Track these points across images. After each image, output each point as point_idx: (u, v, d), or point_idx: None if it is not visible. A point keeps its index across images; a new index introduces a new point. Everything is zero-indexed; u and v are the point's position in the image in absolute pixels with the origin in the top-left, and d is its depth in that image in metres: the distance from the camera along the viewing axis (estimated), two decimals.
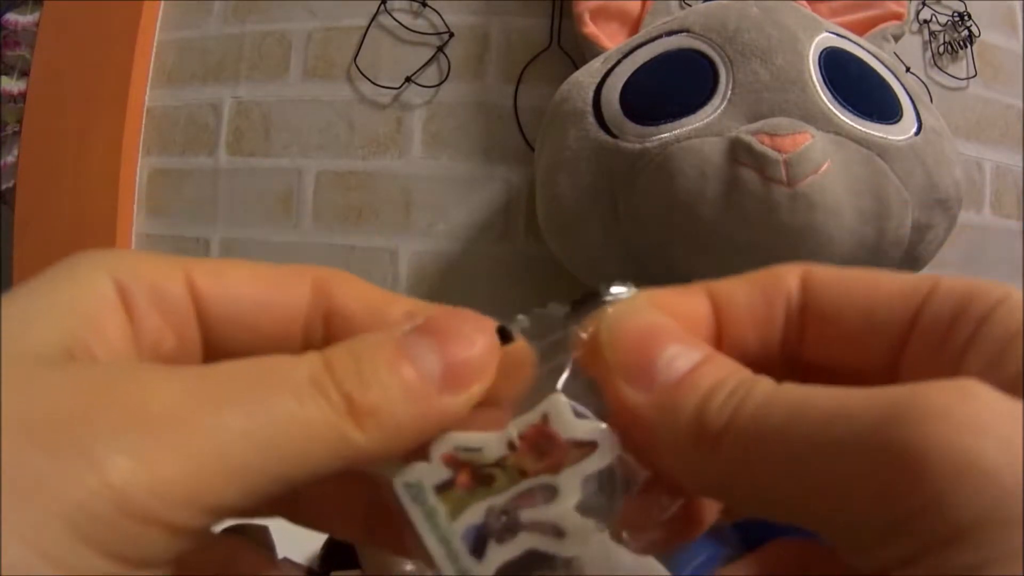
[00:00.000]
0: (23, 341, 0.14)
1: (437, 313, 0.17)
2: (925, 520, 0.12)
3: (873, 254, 0.53)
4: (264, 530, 0.37)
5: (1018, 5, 0.86)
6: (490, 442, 0.16)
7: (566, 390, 0.17)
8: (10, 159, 0.87)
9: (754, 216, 0.49)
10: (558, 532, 0.16)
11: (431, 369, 0.15)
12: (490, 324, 0.17)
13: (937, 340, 0.15)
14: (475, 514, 0.16)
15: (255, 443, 0.14)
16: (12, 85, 0.87)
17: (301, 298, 0.18)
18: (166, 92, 0.87)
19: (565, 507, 0.16)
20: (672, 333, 0.16)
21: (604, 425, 0.16)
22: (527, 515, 0.16)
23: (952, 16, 0.82)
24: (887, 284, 0.17)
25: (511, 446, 0.16)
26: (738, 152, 0.49)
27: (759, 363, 0.17)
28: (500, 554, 0.16)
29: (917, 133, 0.54)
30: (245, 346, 0.17)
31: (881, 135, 0.52)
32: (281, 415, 0.14)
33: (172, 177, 0.86)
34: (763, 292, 0.18)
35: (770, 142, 0.48)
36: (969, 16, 0.82)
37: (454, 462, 0.16)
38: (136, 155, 0.85)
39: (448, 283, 0.79)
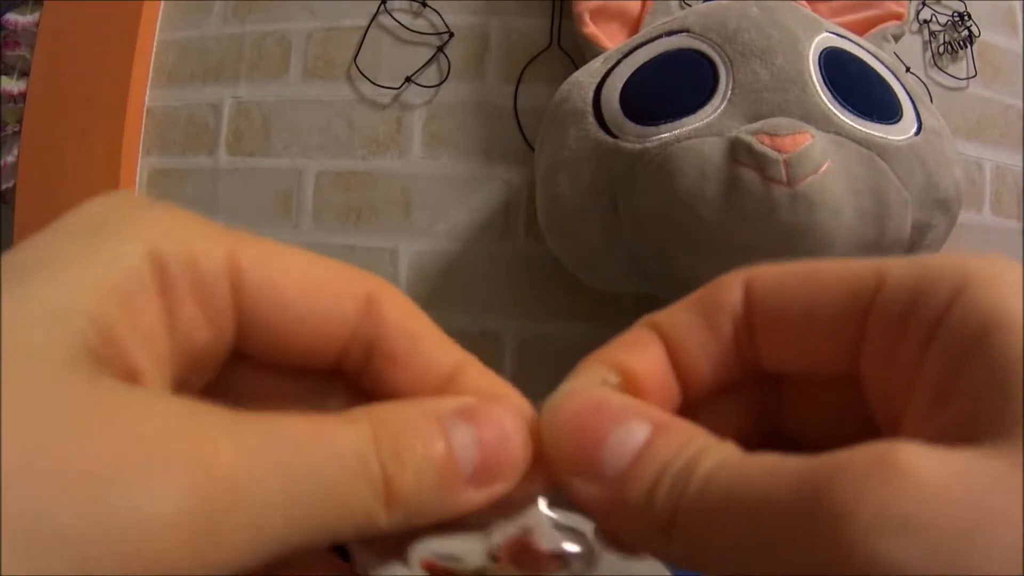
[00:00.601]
0: (43, 334, 0.12)
1: (483, 401, 0.16)
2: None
3: (873, 254, 0.53)
4: None
5: (1018, 5, 0.86)
6: (470, 552, 0.16)
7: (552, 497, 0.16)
8: (10, 159, 0.87)
9: (754, 216, 0.49)
10: None
11: (466, 460, 0.15)
12: (528, 421, 0.16)
13: (892, 339, 0.14)
14: None
15: (291, 509, 0.13)
16: (12, 85, 0.87)
17: (348, 318, 0.17)
18: (166, 92, 0.87)
19: None
20: (612, 410, 0.15)
21: (590, 536, 0.16)
22: None
23: (952, 16, 0.82)
24: (828, 282, 0.15)
25: (492, 557, 0.16)
26: (738, 152, 0.49)
27: (722, 388, 0.17)
28: None
29: (917, 133, 0.54)
30: (277, 351, 0.17)
31: (881, 135, 0.52)
32: (324, 487, 0.14)
33: (172, 177, 0.86)
34: (704, 313, 0.17)
35: (770, 142, 0.48)
36: (969, 16, 0.82)
37: (432, 568, 0.15)
38: (136, 155, 0.85)
39: (448, 283, 0.79)
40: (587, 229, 0.58)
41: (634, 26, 0.67)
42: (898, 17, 0.66)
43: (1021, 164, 0.85)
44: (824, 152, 0.49)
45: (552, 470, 0.16)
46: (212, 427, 0.13)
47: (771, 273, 0.16)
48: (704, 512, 0.13)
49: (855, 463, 0.12)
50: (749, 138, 0.48)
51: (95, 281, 0.13)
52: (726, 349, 0.17)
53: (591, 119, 0.56)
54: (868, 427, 0.16)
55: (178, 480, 0.12)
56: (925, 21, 0.82)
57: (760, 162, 0.48)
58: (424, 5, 0.80)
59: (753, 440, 0.18)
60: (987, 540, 0.11)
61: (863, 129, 0.52)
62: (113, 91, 0.84)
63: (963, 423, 0.12)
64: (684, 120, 0.52)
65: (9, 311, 0.12)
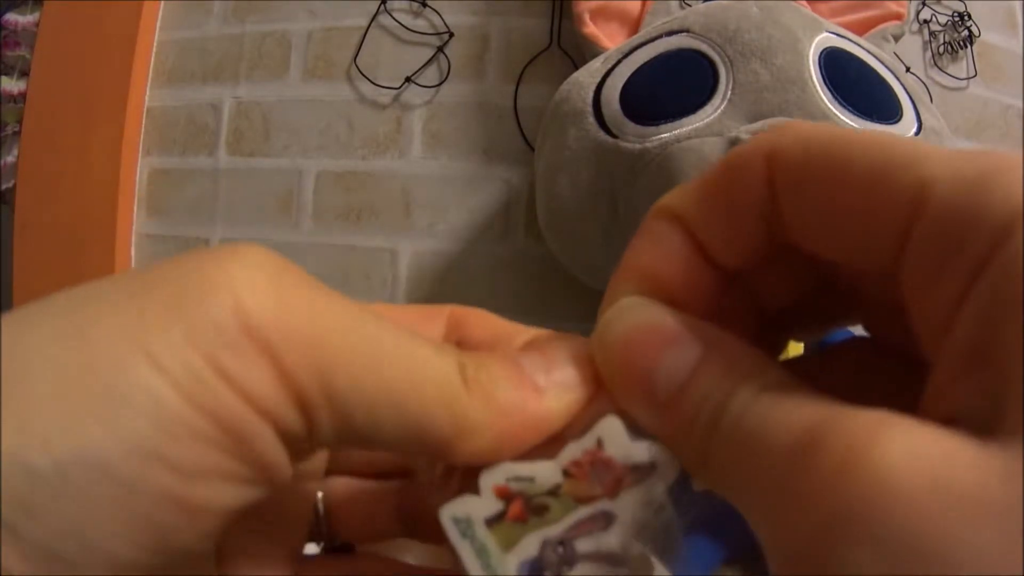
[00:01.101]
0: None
1: (546, 336, 0.18)
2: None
3: None
4: None
5: (1018, 5, 0.86)
6: (543, 470, 0.16)
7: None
8: (10, 159, 0.87)
9: None
10: (616, 561, 0.15)
11: (536, 374, 0.16)
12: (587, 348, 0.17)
13: (933, 269, 0.13)
14: (529, 547, 0.15)
15: (392, 365, 0.14)
16: (12, 85, 0.87)
17: (436, 335, 0.19)
18: (166, 92, 0.87)
19: (623, 534, 0.15)
20: (663, 334, 0.15)
21: (659, 448, 0.16)
22: (584, 545, 0.15)
23: (952, 16, 0.82)
24: (863, 177, 0.13)
25: (565, 473, 0.16)
26: None
27: (750, 272, 0.17)
28: None
29: (917, 133, 0.54)
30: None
31: None
32: (420, 354, 0.15)
33: (172, 177, 0.86)
34: (725, 196, 0.16)
35: None
36: (969, 16, 0.82)
37: (506, 493, 0.15)
38: (136, 155, 0.85)
39: (448, 283, 0.79)
40: (587, 229, 0.58)
41: (634, 26, 0.67)
42: (898, 17, 0.66)
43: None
44: None
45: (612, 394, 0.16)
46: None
47: (796, 153, 0.15)
48: (728, 451, 0.14)
49: (836, 444, 0.12)
50: (749, 138, 0.48)
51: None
52: (753, 231, 0.16)
53: (591, 119, 0.56)
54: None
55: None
56: (925, 21, 0.82)
57: None
58: (424, 5, 0.80)
59: (788, 311, 0.18)
60: (957, 555, 0.10)
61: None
62: (113, 91, 0.84)
63: (983, 403, 0.11)
64: (684, 120, 0.52)
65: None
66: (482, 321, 0.19)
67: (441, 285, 0.79)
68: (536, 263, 0.77)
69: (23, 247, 0.85)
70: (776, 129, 0.15)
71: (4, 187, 0.88)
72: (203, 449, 0.13)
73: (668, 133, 0.52)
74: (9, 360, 0.12)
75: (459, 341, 0.19)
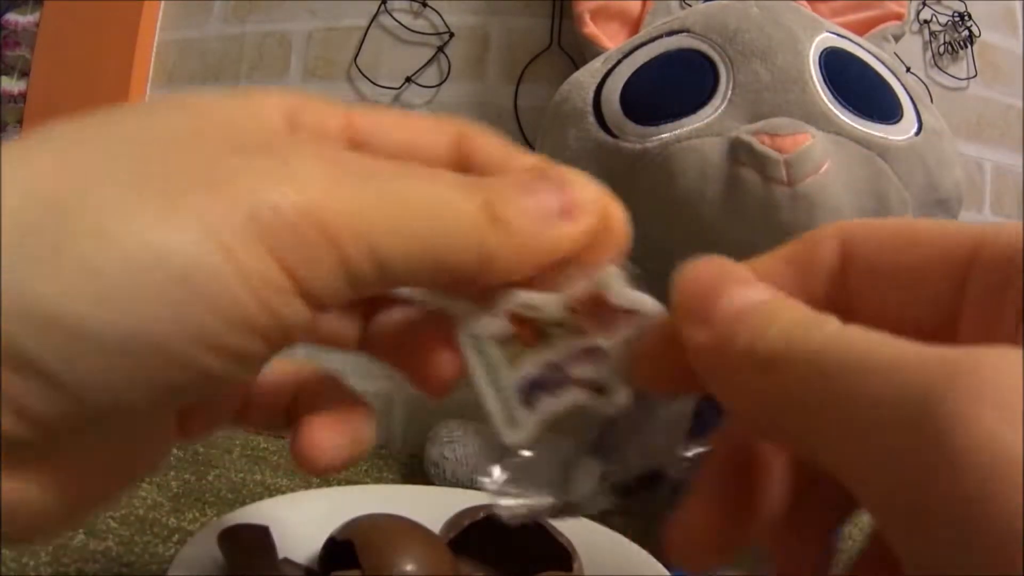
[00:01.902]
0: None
1: (555, 167, 0.20)
2: (952, 524, 0.10)
3: None
4: (264, 531, 0.37)
5: (1018, 5, 0.86)
6: (550, 303, 0.17)
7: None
8: None
9: (754, 216, 0.49)
10: (602, 390, 0.17)
11: (550, 202, 0.18)
12: (595, 185, 0.19)
13: (991, 307, 0.14)
14: (533, 366, 0.17)
15: (421, 210, 0.16)
16: (12, 85, 0.87)
17: (441, 146, 0.20)
18: (166, 92, 0.87)
19: (611, 368, 0.17)
20: (737, 277, 0.16)
21: (652, 300, 0.18)
22: (577, 371, 0.17)
23: (952, 16, 0.82)
24: (926, 243, 0.16)
25: (569, 309, 0.17)
26: (738, 152, 0.49)
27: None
28: (549, 405, 0.17)
29: (917, 133, 0.54)
30: None
31: (881, 135, 0.52)
32: (443, 196, 0.17)
33: None
34: (799, 267, 0.18)
35: (770, 142, 0.48)
36: (969, 16, 0.82)
37: (517, 319, 0.17)
38: None
39: None
40: None
41: (634, 26, 0.67)
42: (898, 17, 0.66)
43: (1021, 164, 0.85)
44: (824, 152, 0.49)
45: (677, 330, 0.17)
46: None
47: (868, 231, 0.17)
48: (815, 368, 0.13)
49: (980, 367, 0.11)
50: (749, 138, 0.48)
51: (243, 118, 0.17)
52: (818, 304, 0.17)
53: (591, 119, 0.56)
54: None
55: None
56: (925, 21, 0.82)
57: (760, 162, 0.48)
58: (424, 5, 0.80)
59: None
60: None
61: (863, 129, 0.52)
62: (113, 91, 0.84)
63: None
64: (684, 120, 0.52)
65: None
66: (487, 142, 0.20)
67: None
68: None
69: None
70: (840, 223, 0.18)
71: None
72: (253, 338, 0.15)
73: (668, 133, 0.52)
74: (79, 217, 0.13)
75: (465, 159, 0.20)
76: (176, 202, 0.13)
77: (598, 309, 0.17)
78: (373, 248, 0.15)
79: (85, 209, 0.13)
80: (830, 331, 0.14)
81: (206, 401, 0.20)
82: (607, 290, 0.18)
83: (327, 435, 0.20)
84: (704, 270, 0.17)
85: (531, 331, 0.17)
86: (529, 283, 0.18)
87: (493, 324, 0.17)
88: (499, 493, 0.17)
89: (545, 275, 0.18)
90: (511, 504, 0.17)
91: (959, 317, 0.15)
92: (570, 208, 0.18)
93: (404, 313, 0.21)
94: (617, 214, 0.20)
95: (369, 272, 0.15)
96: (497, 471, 0.17)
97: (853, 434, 0.12)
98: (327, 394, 0.21)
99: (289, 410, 0.22)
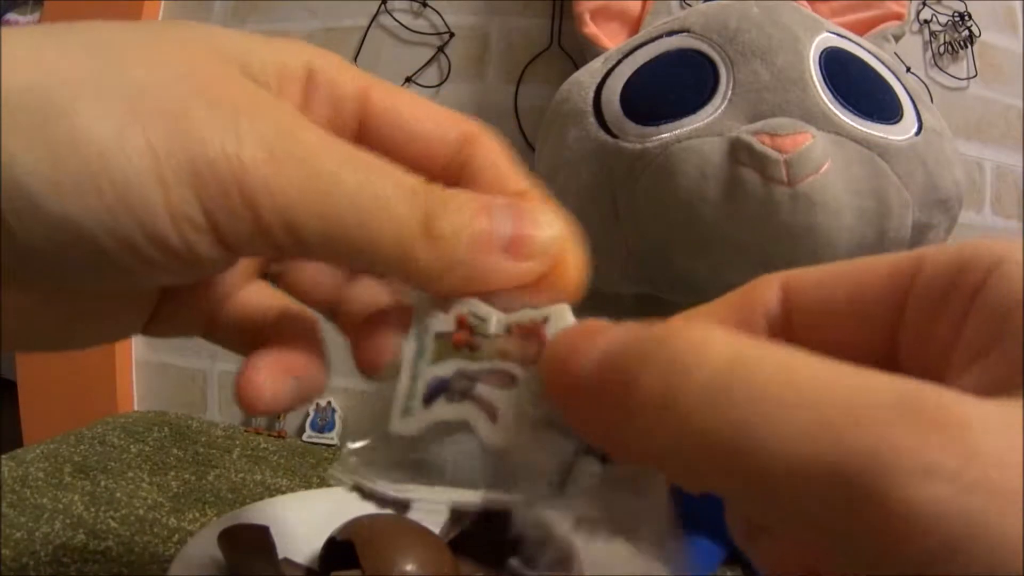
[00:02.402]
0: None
1: (525, 199, 0.20)
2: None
3: (874, 254, 0.53)
4: (264, 531, 0.37)
5: (1018, 5, 0.86)
6: (494, 318, 0.18)
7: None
8: None
9: (755, 216, 0.49)
10: (493, 416, 0.17)
11: (502, 231, 0.18)
12: (564, 222, 0.20)
13: (931, 314, 0.14)
14: (448, 368, 0.18)
15: (352, 202, 0.17)
16: None
17: (448, 142, 0.21)
18: None
19: (511, 399, 0.17)
20: (607, 327, 0.16)
21: None
22: (481, 389, 0.17)
23: (952, 16, 0.82)
24: (870, 272, 0.16)
25: (507, 329, 0.18)
26: (739, 152, 0.49)
27: None
28: (442, 411, 0.17)
29: (918, 133, 0.54)
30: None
31: (882, 135, 0.52)
32: (380, 189, 0.17)
33: None
34: (739, 311, 0.18)
35: (771, 142, 0.48)
36: (969, 16, 0.82)
37: (462, 322, 0.18)
38: None
39: None
40: (587, 229, 0.57)
41: (634, 26, 0.67)
42: (898, 17, 0.66)
43: (1021, 164, 0.85)
44: (825, 152, 0.49)
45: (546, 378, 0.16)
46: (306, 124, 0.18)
47: (810, 273, 0.17)
48: (716, 409, 0.11)
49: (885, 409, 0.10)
50: (750, 138, 0.48)
51: (266, 60, 0.18)
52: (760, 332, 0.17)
53: (591, 119, 0.56)
54: None
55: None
56: (925, 21, 0.82)
57: (761, 162, 0.48)
58: (424, 5, 0.80)
59: None
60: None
61: (864, 129, 0.52)
62: None
63: (1002, 378, 0.12)
64: (685, 120, 0.52)
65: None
66: (492, 151, 0.21)
67: None
68: None
69: None
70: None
71: None
72: (167, 256, 0.16)
73: (668, 133, 0.52)
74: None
75: (465, 159, 0.21)
76: (140, 123, 0.15)
77: (532, 339, 0.18)
78: (290, 223, 0.16)
79: (67, 105, 0.15)
80: (738, 366, 0.12)
81: (157, 300, 0.22)
82: (545, 325, 0.18)
83: (268, 375, 0.20)
84: (578, 328, 0.17)
85: (467, 338, 0.18)
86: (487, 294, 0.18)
87: (439, 321, 0.18)
88: (347, 466, 0.18)
89: (495, 293, 0.18)
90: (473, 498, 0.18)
91: (897, 335, 0.15)
92: (518, 247, 0.18)
93: (374, 289, 0.22)
94: (574, 263, 0.20)
95: (284, 240, 0.17)
96: (359, 444, 0.18)
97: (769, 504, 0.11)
98: (291, 333, 0.22)
99: (255, 340, 0.22)
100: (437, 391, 0.18)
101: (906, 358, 0.15)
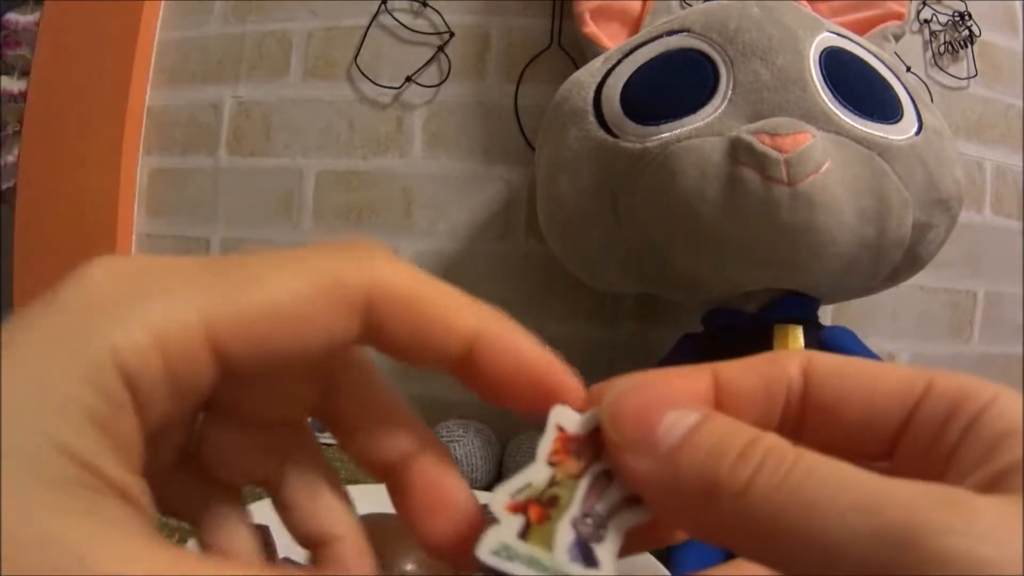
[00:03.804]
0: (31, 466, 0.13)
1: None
2: None
3: (874, 254, 0.53)
4: (264, 530, 0.37)
5: (1018, 5, 0.86)
6: (534, 472, 0.17)
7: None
8: (10, 159, 0.87)
9: (754, 216, 0.49)
10: (634, 501, 0.17)
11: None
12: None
13: (931, 436, 0.16)
14: (565, 534, 0.17)
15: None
16: (12, 85, 0.87)
17: (344, 334, 0.17)
18: (166, 92, 0.87)
19: (623, 483, 0.17)
20: (667, 399, 0.17)
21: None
22: (601, 506, 0.17)
23: (952, 16, 0.82)
24: (886, 380, 0.17)
25: (550, 463, 0.17)
26: (739, 152, 0.49)
27: None
28: (608, 550, 0.17)
29: (918, 133, 0.54)
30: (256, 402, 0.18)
31: (882, 135, 0.52)
32: None
33: (172, 177, 0.86)
34: (764, 378, 0.18)
35: (771, 142, 0.48)
36: (969, 16, 0.82)
37: (517, 507, 0.17)
38: (136, 155, 0.85)
39: (449, 283, 0.79)
40: (587, 229, 0.58)
41: (635, 26, 0.67)
42: (898, 17, 0.66)
43: (1021, 164, 0.85)
44: (825, 152, 0.49)
45: (613, 457, 0.17)
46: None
47: (831, 363, 0.18)
48: (784, 500, 0.14)
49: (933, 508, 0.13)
50: (750, 138, 0.48)
51: (69, 410, 0.14)
52: (773, 414, 0.18)
53: (592, 119, 0.56)
54: None
55: None
56: (926, 21, 0.82)
57: (761, 162, 0.48)
58: (424, 5, 0.80)
59: None
60: None
61: (864, 129, 0.52)
62: (113, 91, 0.84)
63: (991, 483, 0.14)
64: (685, 120, 0.52)
65: None
66: (405, 320, 0.17)
67: None
68: (536, 263, 0.77)
69: (23, 247, 0.85)
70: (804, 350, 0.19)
71: (4, 187, 0.88)
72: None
73: (669, 133, 0.52)
74: None
75: (374, 327, 0.17)
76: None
77: (573, 445, 0.18)
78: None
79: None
80: (803, 467, 0.15)
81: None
82: (568, 427, 0.18)
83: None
84: (632, 394, 0.17)
85: (539, 506, 0.17)
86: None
87: (504, 527, 0.17)
88: None
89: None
90: None
91: (898, 443, 0.17)
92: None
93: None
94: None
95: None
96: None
97: (828, 565, 0.14)
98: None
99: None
100: (584, 551, 0.17)
101: (902, 463, 0.17)
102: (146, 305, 0.15)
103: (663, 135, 0.52)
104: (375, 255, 0.17)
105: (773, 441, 0.15)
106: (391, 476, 0.19)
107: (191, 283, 0.15)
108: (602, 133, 0.55)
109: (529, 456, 0.18)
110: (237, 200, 0.84)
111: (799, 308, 0.57)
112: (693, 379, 0.18)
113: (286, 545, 0.38)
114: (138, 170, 0.86)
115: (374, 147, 0.81)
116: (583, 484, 0.17)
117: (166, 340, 0.15)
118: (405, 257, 0.79)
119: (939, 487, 0.14)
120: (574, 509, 0.17)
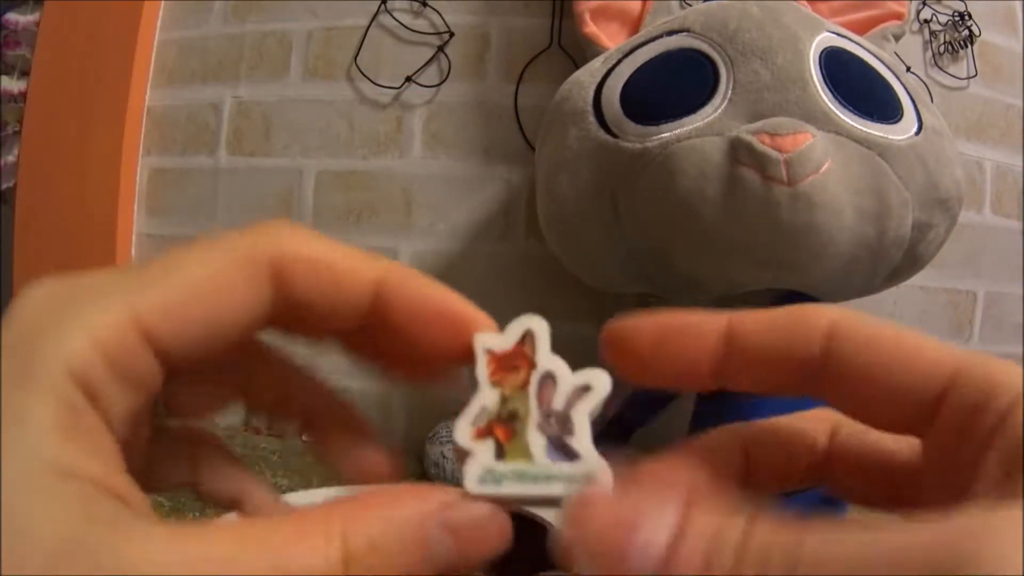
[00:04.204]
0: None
1: (464, 500, 0.17)
2: None
3: (874, 253, 0.53)
4: None
5: (1018, 5, 0.86)
6: (482, 397, 0.18)
7: None
8: (10, 159, 0.87)
9: (754, 216, 0.49)
10: (588, 387, 0.18)
11: (442, 558, 0.16)
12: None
13: (958, 430, 0.16)
14: (537, 440, 0.17)
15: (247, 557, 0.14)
16: (12, 85, 0.87)
17: (260, 304, 0.17)
18: (166, 92, 0.87)
19: (569, 375, 0.18)
20: (635, 507, 0.15)
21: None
22: (559, 401, 0.18)
23: (952, 16, 0.82)
24: (916, 362, 0.16)
25: (495, 384, 0.18)
26: (739, 152, 0.49)
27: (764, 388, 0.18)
28: (582, 439, 0.17)
29: (918, 133, 0.54)
30: (204, 363, 0.18)
31: (882, 135, 0.52)
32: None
33: (172, 177, 0.86)
34: (785, 338, 0.17)
35: (771, 142, 0.48)
36: (969, 16, 0.82)
37: (482, 432, 0.18)
38: (136, 155, 0.85)
39: (448, 283, 0.78)
40: (587, 229, 0.58)
41: (634, 26, 0.67)
42: (898, 17, 0.66)
43: (1021, 164, 0.85)
44: (825, 152, 0.49)
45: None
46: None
47: (860, 329, 0.17)
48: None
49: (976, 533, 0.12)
50: (750, 138, 0.48)
51: (45, 427, 0.14)
52: (790, 373, 0.17)
53: (592, 119, 0.56)
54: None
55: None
56: (925, 21, 0.82)
57: (761, 162, 0.48)
58: (424, 5, 0.80)
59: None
60: None
61: (864, 129, 0.52)
62: (113, 91, 0.84)
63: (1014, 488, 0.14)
64: (685, 120, 0.52)
65: None
66: (310, 277, 0.18)
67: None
68: (536, 263, 0.77)
69: (23, 247, 0.85)
70: (835, 307, 0.17)
71: (4, 187, 0.88)
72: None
73: (669, 133, 0.52)
74: None
75: (289, 304, 0.18)
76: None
77: (507, 360, 0.18)
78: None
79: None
80: (807, 550, 0.13)
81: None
82: (495, 348, 0.18)
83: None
84: (595, 515, 0.15)
85: (503, 425, 0.18)
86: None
87: (479, 457, 0.17)
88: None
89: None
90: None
91: (927, 431, 0.17)
92: (462, 554, 0.17)
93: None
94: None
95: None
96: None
97: None
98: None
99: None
100: (562, 449, 0.18)
101: (932, 455, 0.17)
102: (82, 313, 0.15)
103: (663, 135, 0.52)
104: (281, 228, 0.18)
105: (761, 545, 0.14)
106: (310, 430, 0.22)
107: (117, 285, 0.16)
108: (602, 133, 0.55)
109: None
110: (237, 200, 0.84)
111: None
112: (708, 321, 0.18)
113: None
114: (138, 170, 0.86)
115: (374, 147, 0.81)
116: (532, 391, 0.18)
117: (104, 341, 0.15)
118: (405, 257, 0.79)
119: (954, 526, 0.13)
120: (535, 415, 0.17)
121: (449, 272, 0.79)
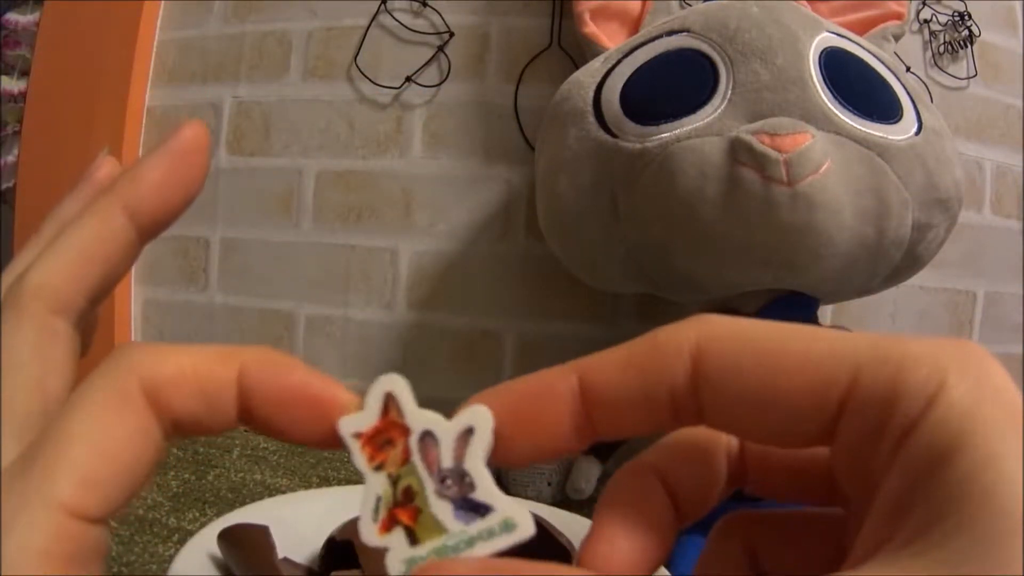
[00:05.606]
0: None
1: None
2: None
3: (873, 254, 0.53)
4: (264, 531, 0.37)
5: (1018, 5, 0.86)
6: (371, 487, 0.17)
7: None
8: (10, 159, 0.87)
9: (754, 216, 0.49)
10: (470, 429, 0.17)
11: None
12: None
13: (865, 441, 0.14)
14: (442, 508, 0.17)
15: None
16: (12, 85, 0.87)
17: (154, 435, 0.17)
18: (166, 92, 0.87)
19: (447, 423, 0.17)
20: None
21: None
22: (446, 460, 0.17)
23: (952, 16, 0.82)
24: (793, 372, 0.14)
25: (378, 469, 0.17)
26: (738, 152, 0.49)
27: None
28: (486, 489, 0.17)
29: (917, 133, 0.54)
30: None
31: (881, 135, 0.52)
32: None
33: None
34: (641, 373, 0.16)
35: (770, 142, 0.48)
36: (969, 16, 0.82)
37: (387, 524, 0.17)
38: (136, 155, 0.85)
39: (448, 283, 0.79)
40: (587, 229, 0.58)
41: (634, 26, 0.67)
42: (898, 17, 0.66)
43: (1021, 164, 0.85)
44: (824, 152, 0.49)
45: None
46: None
47: (724, 345, 0.15)
48: None
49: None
50: (749, 138, 0.48)
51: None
52: (657, 412, 0.16)
53: (591, 119, 0.56)
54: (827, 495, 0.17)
55: None
56: (925, 21, 0.82)
57: (760, 162, 0.48)
58: (424, 5, 0.80)
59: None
60: None
61: (863, 129, 0.52)
62: (113, 91, 0.84)
63: (912, 542, 0.12)
64: (684, 120, 0.52)
65: None
66: (178, 388, 0.17)
67: (441, 285, 0.79)
68: (536, 263, 0.77)
69: (23, 247, 0.85)
70: (702, 320, 0.16)
71: (4, 187, 0.88)
72: None
73: (668, 133, 0.52)
74: None
75: (171, 420, 0.17)
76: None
77: (378, 438, 0.17)
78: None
79: None
80: None
81: None
82: (361, 429, 0.17)
83: None
84: None
85: (403, 507, 0.17)
86: None
87: (396, 551, 0.17)
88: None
89: None
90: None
91: (832, 439, 0.15)
92: None
93: None
94: None
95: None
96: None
97: None
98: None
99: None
100: (470, 507, 0.17)
101: (840, 463, 0.15)
102: (12, 536, 0.15)
103: (663, 135, 0.52)
104: (132, 354, 0.17)
105: None
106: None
107: (29, 488, 0.16)
108: (602, 133, 0.55)
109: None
110: (237, 200, 0.84)
111: (799, 308, 0.57)
112: (552, 383, 0.16)
113: (286, 546, 0.39)
114: None
115: (374, 147, 0.81)
116: (416, 460, 0.17)
117: (47, 550, 0.15)
118: (405, 257, 0.79)
119: None
120: (429, 485, 0.17)
121: (449, 272, 0.79)
